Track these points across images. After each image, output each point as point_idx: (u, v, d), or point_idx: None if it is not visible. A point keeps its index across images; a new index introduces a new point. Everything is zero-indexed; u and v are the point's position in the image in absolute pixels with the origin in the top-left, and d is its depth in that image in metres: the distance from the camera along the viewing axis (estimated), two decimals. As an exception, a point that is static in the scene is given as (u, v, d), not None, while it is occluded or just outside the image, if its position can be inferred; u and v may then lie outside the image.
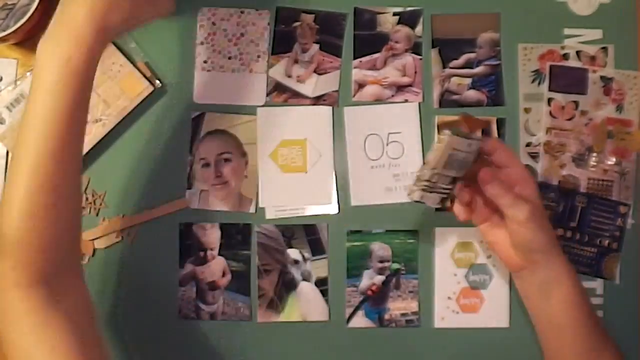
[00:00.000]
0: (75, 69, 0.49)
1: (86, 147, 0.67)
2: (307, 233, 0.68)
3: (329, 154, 0.69)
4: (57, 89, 0.49)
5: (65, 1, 0.52)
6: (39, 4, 0.63)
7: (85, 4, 0.50)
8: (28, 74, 0.68)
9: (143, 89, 0.68)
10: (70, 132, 0.50)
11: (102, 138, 0.68)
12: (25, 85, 0.68)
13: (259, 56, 0.70)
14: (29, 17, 0.63)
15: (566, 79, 0.69)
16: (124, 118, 0.68)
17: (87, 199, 0.68)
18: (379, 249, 0.68)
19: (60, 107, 0.49)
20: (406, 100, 0.69)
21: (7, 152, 0.69)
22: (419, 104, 0.69)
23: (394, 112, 0.69)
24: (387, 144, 0.68)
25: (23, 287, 0.49)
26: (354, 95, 0.69)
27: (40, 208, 0.49)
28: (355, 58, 0.70)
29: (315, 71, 0.69)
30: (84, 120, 0.52)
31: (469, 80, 0.69)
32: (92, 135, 0.67)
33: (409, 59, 0.70)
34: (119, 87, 0.68)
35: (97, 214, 0.68)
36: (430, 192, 0.55)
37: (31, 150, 0.49)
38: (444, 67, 0.70)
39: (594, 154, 0.68)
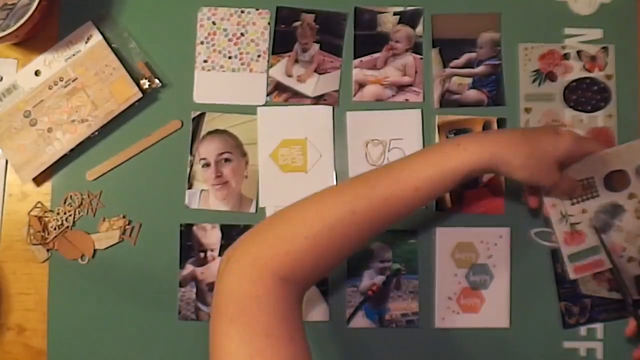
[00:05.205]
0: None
1: (70, 146, 0.67)
2: (308, 233, 0.68)
3: (329, 153, 0.69)
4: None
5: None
6: (39, 4, 0.63)
7: None
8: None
9: (132, 94, 0.67)
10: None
11: (93, 138, 0.68)
12: (19, 77, 0.68)
13: (259, 56, 0.70)
14: (29, 17, 0.63)
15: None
16: (110, 121, 0.68)
17: (83, 199, 0.68)
18: (380, 249, 0.68)
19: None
20: (407, 100, 0.69)
21: (7, 152, 0.69)
22: (422, 110, 0.69)
23: (396, 119, 0.68)
24: (389, 150, 0.68)
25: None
26: (355, 95, 0.69)
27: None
28: (355, 58, 0.70)
29: (315, 71, 0.69)
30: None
31: (469, 80, 0.69)
32: (77, 134, 0.67)
33: (409, 58, 0.70)
34: (108, 90, 0.67)
35: (94, 214, 0.68)
36: None
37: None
38: (445, 66, 0.70)
39: None
